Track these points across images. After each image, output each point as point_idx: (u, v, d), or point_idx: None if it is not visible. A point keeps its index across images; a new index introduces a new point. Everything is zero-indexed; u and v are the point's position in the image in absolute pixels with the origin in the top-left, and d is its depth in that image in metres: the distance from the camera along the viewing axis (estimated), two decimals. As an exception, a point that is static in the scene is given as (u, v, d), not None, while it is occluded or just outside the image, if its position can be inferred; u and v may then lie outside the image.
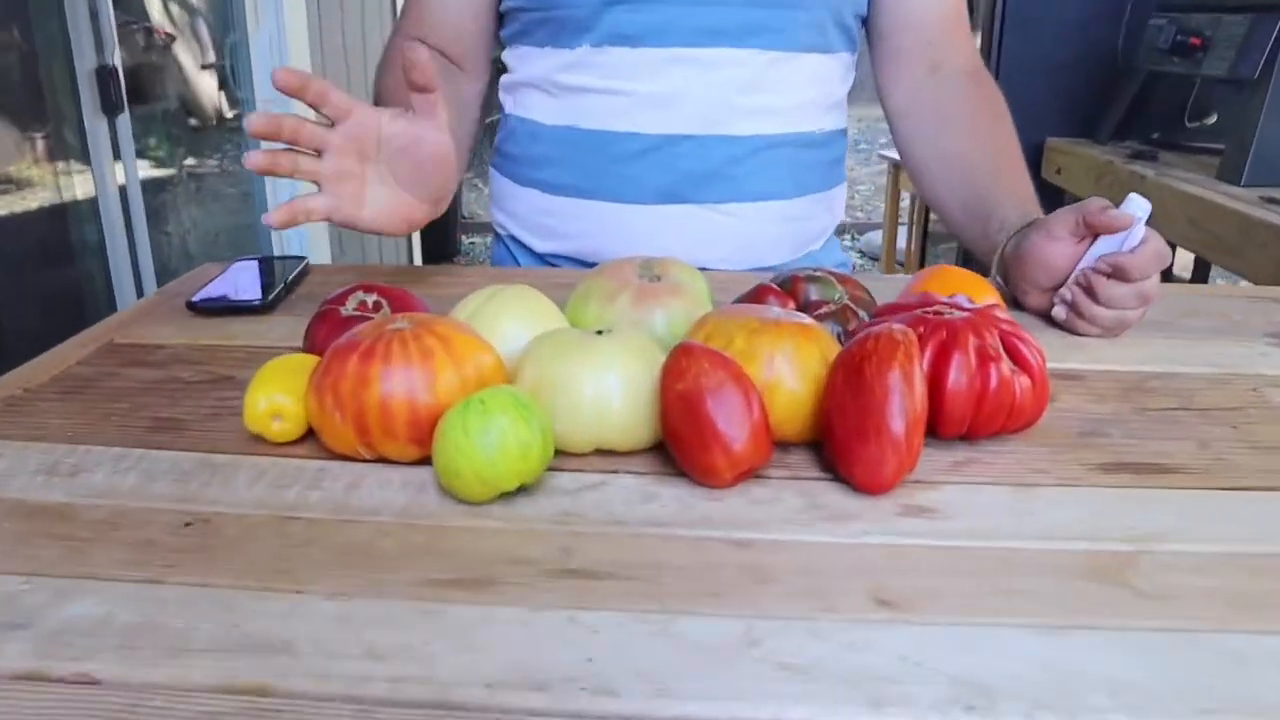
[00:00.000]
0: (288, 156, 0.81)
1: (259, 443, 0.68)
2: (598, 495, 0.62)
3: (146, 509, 0.60)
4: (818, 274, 0.80)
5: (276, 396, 0.66)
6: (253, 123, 0.77)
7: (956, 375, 0.67)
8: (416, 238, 2.96)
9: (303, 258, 1.05)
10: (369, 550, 0.56)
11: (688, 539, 0.57)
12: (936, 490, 0.63)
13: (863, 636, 0.49)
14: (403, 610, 0.50)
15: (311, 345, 0.74)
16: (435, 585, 0.52)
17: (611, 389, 0.64)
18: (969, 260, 2.25)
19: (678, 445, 0.62)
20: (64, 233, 1.97)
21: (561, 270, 1.07)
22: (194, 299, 0.93)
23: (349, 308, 0.75)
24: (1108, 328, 0.88)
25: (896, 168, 4.11)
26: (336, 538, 0.57)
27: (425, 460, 0.65)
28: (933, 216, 3.77)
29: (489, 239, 4.52)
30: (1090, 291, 0.86)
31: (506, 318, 0.72)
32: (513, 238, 1.15)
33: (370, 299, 0.76)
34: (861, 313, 0.78)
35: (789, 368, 0.65)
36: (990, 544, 0.57)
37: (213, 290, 0.96)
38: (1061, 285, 0.90)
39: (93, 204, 1.99)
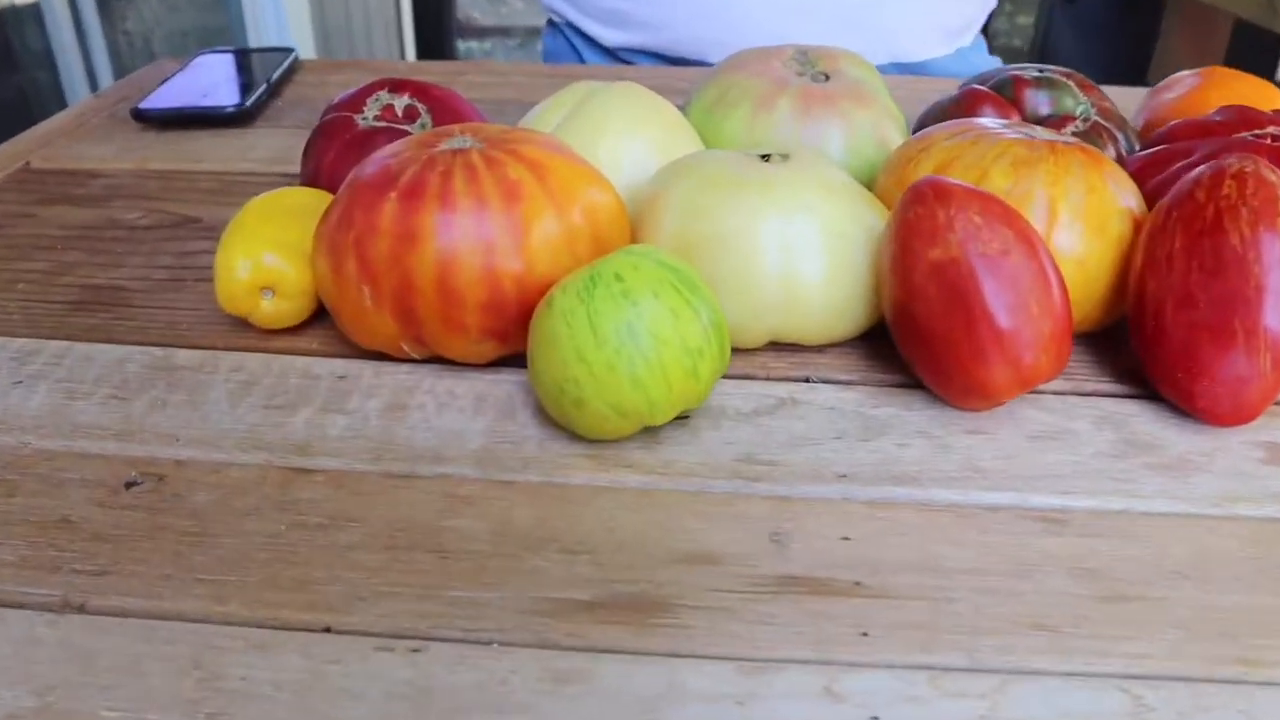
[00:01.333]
0: None
1: (242, 329, 0.44)
2: (792, 426, 0.38)
3: (61, 453, 0.36)
4: (1048, 74, 0.54)
5: (265, 257, 0.41)
6: None
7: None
8: (410, 38, 2.61)
9: (289, 49, 0.78)
10: (437, 538, 0.33)
11: (963, 510, 0.35)
12: (1315, 417, 0.40)
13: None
14: (518, 679, 0.28)
15: (314, 173, 0.49)
16: (560, 614, 0.30)
17: (806, 250, 0.40)
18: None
19: (923, 346, 0.38)
20: (2, 39, 1.65)
21: (656, 69, 0.80)
22: (142, 105, 0.67)
23: (369, 115, 0.50)
24: None
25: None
26: (380, 509, 0.34)
27: (508, 360, 0.41)
28: None
29: (488, 44, 4.11)
30: None
31: (617, 132, 0.47)
32: (573, 27, 0.87)
33: (400, 101, 0.51)
34: (1122, 136, 0.53)
35: (1080, 222, 0.41)
36: None
37: (169, 94, 0.69)
38: None
39: (34, 5, 1.66)
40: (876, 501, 0.35)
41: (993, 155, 0.42)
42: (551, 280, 0.39)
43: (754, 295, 0.40)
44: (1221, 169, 0.39)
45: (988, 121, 0.46)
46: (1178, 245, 0.39)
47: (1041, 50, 2.28)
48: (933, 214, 0.37)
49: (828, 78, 0.52)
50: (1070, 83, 0.54)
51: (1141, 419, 0.40)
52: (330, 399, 0.39)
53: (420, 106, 0.51)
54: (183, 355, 0.42)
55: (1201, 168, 0.40)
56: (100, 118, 0.69)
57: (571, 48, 0.87)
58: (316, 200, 0.45)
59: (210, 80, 0.71)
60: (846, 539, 0.33)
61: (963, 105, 0.53)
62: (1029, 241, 0.37)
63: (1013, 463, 0.37)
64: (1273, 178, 0.39)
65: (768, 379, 0.41)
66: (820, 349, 0.43)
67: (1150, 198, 0.45)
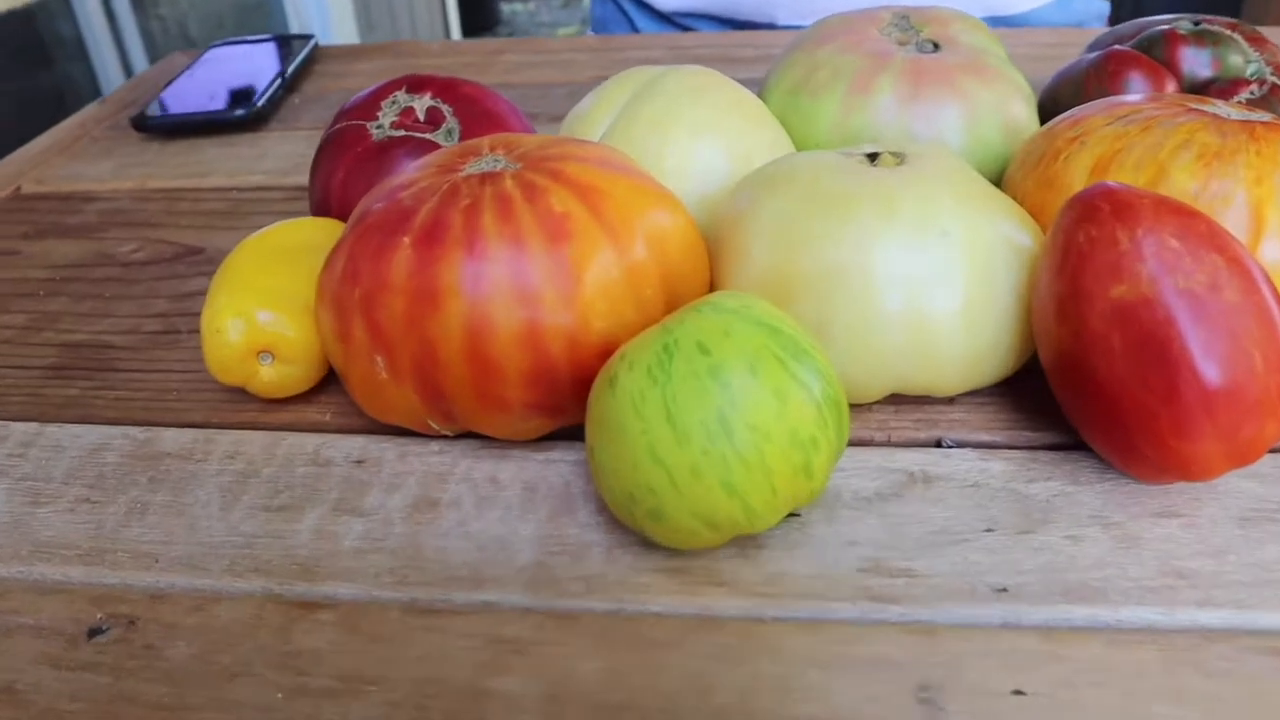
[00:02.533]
0: None
1: (241, 396, 0.36)
2: (929, 513, 0.30)
3: (14, 587, 0.29)
4: (1205, 26, 0.44)
5: (260, 315, 0.34)
6: None
7: None
8: (453, 6, 2.52)
9: (309, 36, 0.70)
10: (479, 709, 0.25)
11: (1169, 640, 0.26)
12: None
13: None
14: None
15: (323, 198, 0.41)
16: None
17: (941, 282, 0.31)
18: None
19: (1101, 409, 0.29)
20: (32, 34, 1.60)
21: (719, 35, 0.70)
22: (145, 113, 0.59)
23: (384, 123, 0.42)
24: None
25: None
26: (405, 664, 0.26)
27: (559, 435, 0.33)
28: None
29: (532, 5, 4.00)
30: None
31: (685, 132, 0.38)
32: (610, -11, 0.78)
33: (420, 102, 0.42)
34: (1308, 96, 0.43)
35: (1294, 225, 0.31)
36: None
37: (174, 97, 0.62)
38: None
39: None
40: (1052, 628, 0.26)
41: (1172, 145, 0.33)
42: (613, 337, 0.31)
43: (874, 344, 0.31)
44: None
45: (1150, 98, 0.37)
46: None
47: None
48: (1112, 237, 0.28)
49: (937, 47, 0.43)
50: (1237, 35, 0.44)
51: (1387, 487, 0.31)
52: (344, 494, 0.32)
53: (445, 108, 0.42)
54: (170, 437, 0.35)
55: None
56: (101, 129, 0.61)
57: (623, 14, 0.78)
58: (324, 234, 0.37)
59: (220, 79, 0.64)
60: (1020, 694, 0.25)
61: (1105, 72, 0.43)
62: (1244, 270, 0.28)
63: (1225, 562, 0.28)
64: None
65: (889, 444, 0.33)
66: (951, 400, 0.34)
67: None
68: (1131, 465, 0.30)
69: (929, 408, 0.34)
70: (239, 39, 0.70)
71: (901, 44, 0.43)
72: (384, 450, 0.33)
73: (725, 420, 0.26)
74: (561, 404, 0.31)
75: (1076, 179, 0.34)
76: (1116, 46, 0.44)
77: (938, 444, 0.33)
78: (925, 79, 0.40)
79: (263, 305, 0.34)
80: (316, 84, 0.66)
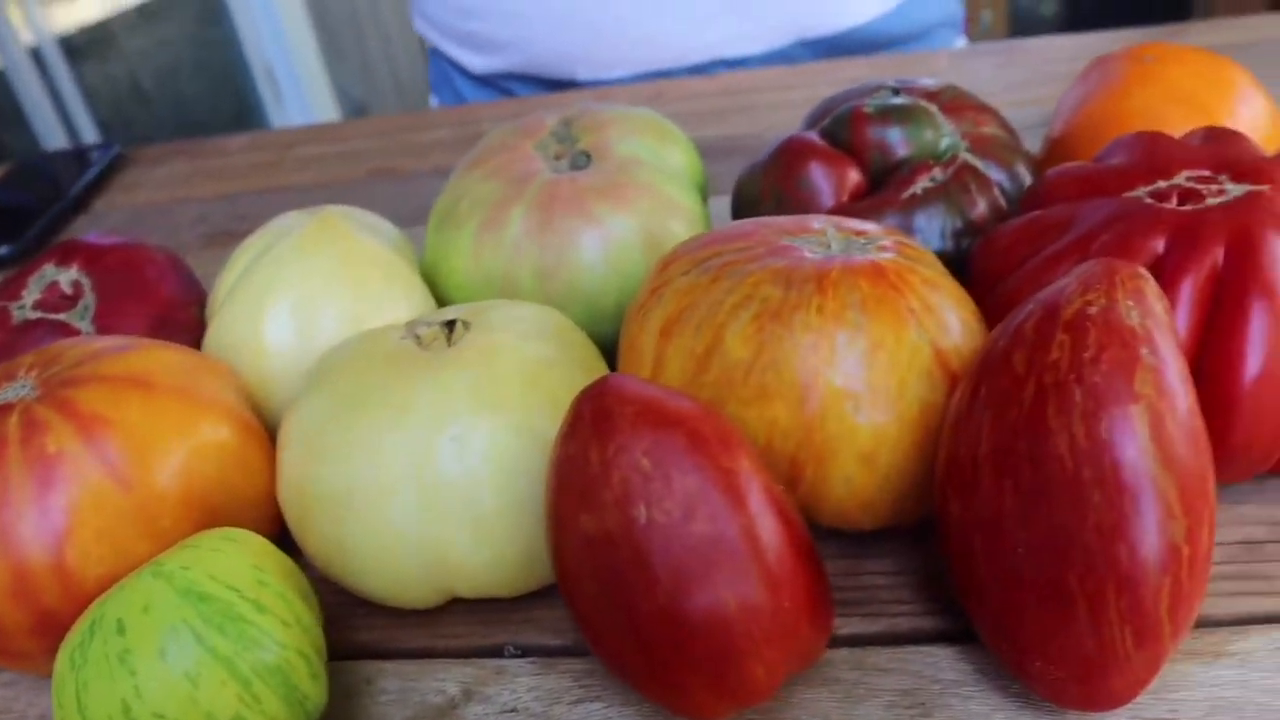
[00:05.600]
0: None
1: None
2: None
3: None
4: (898, 101, 0.40)
5: None
6: None
7: (1263, 353, 0.28)
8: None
9: (109, 145, 0.69)
10: None
11: None
12: (1237, 639, 0.27)
13: None
14: None
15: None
16: None
17: (455, 492, 0.28)
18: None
19: (600, 642, 0.26)
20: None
21: (536, 99, 0.66)
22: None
23: (28, 302, 0.40)
24: None
25: None
26: None
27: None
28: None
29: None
30: None
31: (289, 297, 0.36)
32: (438, 52, 0.75)
33: (67, 275, 0.41)
34: (1005, 176, 0.39)
35: (863, 382, 0.28)
36: None
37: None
38: None
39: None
40: None
41: (732, 304, 0.29)
42: (117, 579, 0.29)
43: (393, 562, 0.29)
44: (1054, 308, 0.26)
45: (766, 225, 0.33)
46: (985, 447, 0.25)
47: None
48: (584, 456, 0.25)
49: (588, 157, 0.39)
50: (933, 106, 0.40)
51: (973, 695, 0.27)
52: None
53: (86, 282, 0.41)
54: None
55: (1030, 304, 0.27)
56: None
57: (446, 77, 0.75)
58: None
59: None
60: None
61: (780, 168, 0.39)
62: (729, 487, 0.25)
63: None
64: (1134, 319, 0.25)
65: (446, 655, 0.30)
66: (515, 600, 0.32)
67: (1004, 308, 0.32)
68: (648, 694, 0.27)
69: (497, 608, 0.31)
70: (37, 155, 0.70)
71: (557, 157, 0.40)
72: (-50, 690, 0.32)
73: (130, 712, 0.24)
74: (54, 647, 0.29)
75: (648, 345, 0.31)
76: (796, 135, 0.40)
77: (502, 651, 0.30)
78: (557, 206, 0.37)
79: None
80: (110, 198, 0.65)
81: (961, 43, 0.74)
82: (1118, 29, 0.63)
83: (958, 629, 0.29)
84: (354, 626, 0.32)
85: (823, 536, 0.32)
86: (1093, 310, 0.25)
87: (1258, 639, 0.28)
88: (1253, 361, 0.28)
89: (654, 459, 0.25)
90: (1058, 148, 0.42)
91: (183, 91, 1.80)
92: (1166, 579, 0.24)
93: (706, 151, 0.55)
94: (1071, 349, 0.25)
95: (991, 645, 0.27)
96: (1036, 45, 0.62)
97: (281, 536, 0.33)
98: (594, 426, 0.25)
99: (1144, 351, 0.24)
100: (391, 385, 0.30)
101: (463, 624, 0.31)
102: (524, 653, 0.30)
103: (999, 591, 0.25)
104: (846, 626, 0.30)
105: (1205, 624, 0.28)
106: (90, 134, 1.69)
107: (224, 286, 0.39)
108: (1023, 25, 1.85)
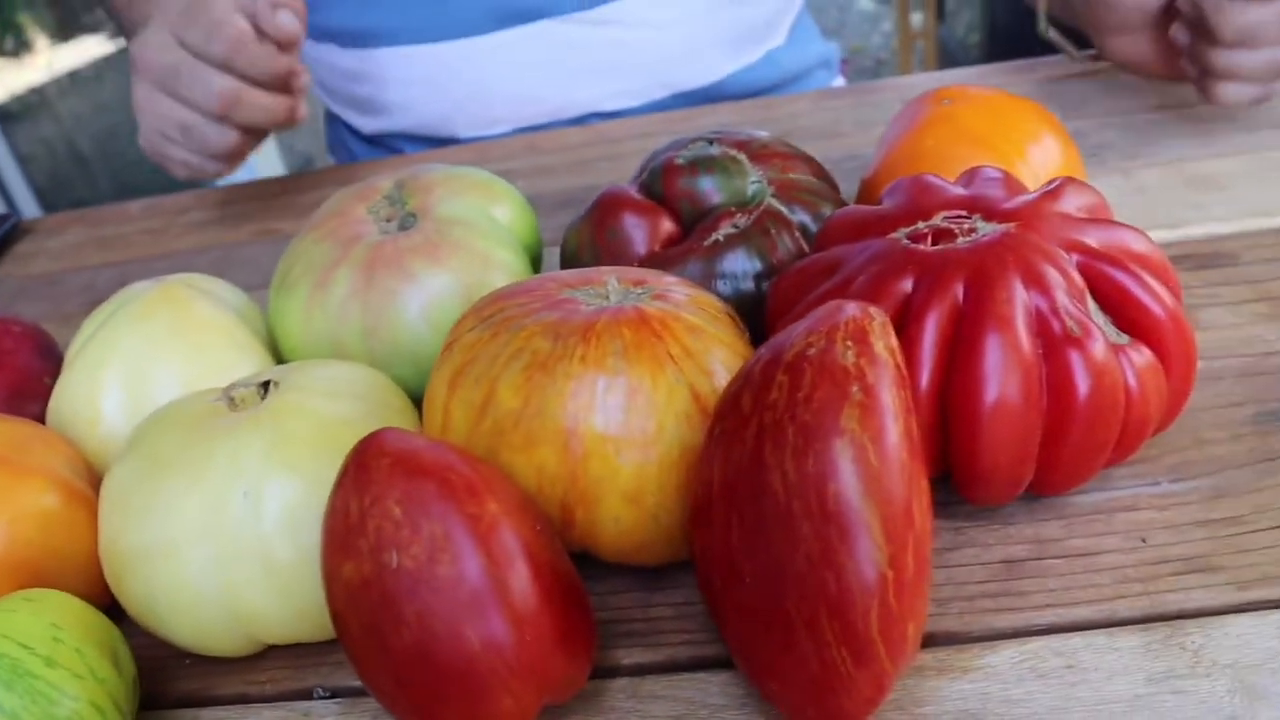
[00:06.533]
0: None
1: None
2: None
3: None
4: (713, 153, 0.42)
5: None
6: None
7: (999, 382, 0.30)
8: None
9: (6, 216, 0.70)
10: None
11: None
12: (987, 654, 0.29)
13: None
14: None
15: None
16: None
17: (243, 550, 0.30)
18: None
19: (369, 680, 0.28)
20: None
21: (425, 155, 0.68)
22: None
23: (-112, 378, 0.42)
24: (1254, 82, 0.47)
25: None
26: None
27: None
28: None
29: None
30: (1202, 23, 0.46)
31: (122, 368, 0.37)
32: (331, 114, 0.78)
33: (-72, 352, 0.42)
34: (810, 217, 0.41)
35: (622, 425, 0.30)
36: None
37: None
38: (1153, 22, 0.51)
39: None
40: None
41: (506, 356, 0.31)
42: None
43: (196, 618, 0.31)
44: (780, 351, 0.28)
45: (556, 279, 0.35)
46: (717, 485, 0.27)
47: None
48: (345, 506, 0.27)
49: (414, 217, 0.42)
50: (741, 155, 0.42)
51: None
52: None
53: (-58, 355, 0.42)
54: None
55: (762, 349, 0.29)
56: None
57: (341, 138, 0.77)
58: None
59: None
60: None
61: (595, 220, 0.42)
62: (477, 533, 0.27)
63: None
64: (849, 359, 0.27)
65: (259, 700, 0.32)
66: (331, 641, 0.33)
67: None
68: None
69: (313, 651, 0.33)
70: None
71: (388, 220, 0.42)
72: None
73: (-89, 774, 0.25)
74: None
75: (438, 398, 0.33)
76: (611, 188, 0.43)
77: (311, 695, 0.32)
78: (379, 267, 0.39)
79: None
80: (5, 269, 0.66)
81: (839, 82, 0.77)
82: (1021, 59, 0.63)
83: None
84: (177, 676, 0.33)
85: (618, 572, 0.34)
86: (811, 352, 0.27)
87: (1006, 653, 0.30)
88: (991, 390, 0.30)
89: (405, 508, 0.27)
90: (866, 188, 0.44)
91: (123, 154, 1.81)
92: (874, 601, 0.26)
93: (571, 201, 0.57)
94: (789, 389, 0.27)
95: (742, 670, 0.29)
96: (895, 84, 0.65)
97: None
98: (355, 479, 0.27)
99: (854, 389, 0.26)
100: (195, 445, 0.31)
101: (277, 668, 0.33)
102: (333, 694, 0.32)
103: (737, 620, 0.27)
104: (629, 657, 0.31)
105: (958, 640, 0.30)
106: (27, 199, 1.70)
107: (69, 355, 0.41)
108: (950, 57, 1.89)
